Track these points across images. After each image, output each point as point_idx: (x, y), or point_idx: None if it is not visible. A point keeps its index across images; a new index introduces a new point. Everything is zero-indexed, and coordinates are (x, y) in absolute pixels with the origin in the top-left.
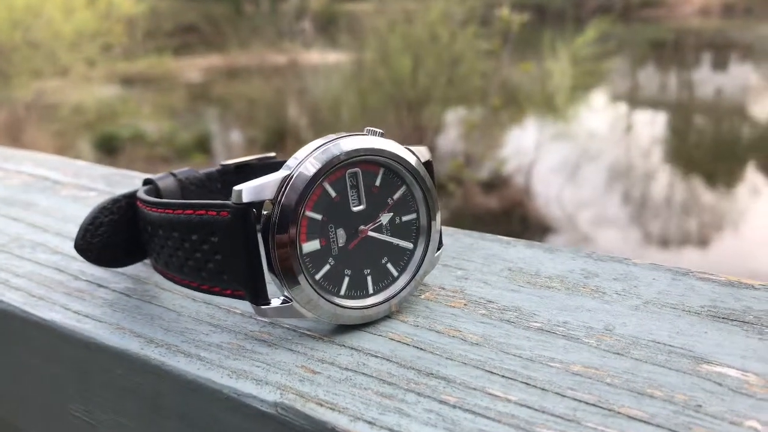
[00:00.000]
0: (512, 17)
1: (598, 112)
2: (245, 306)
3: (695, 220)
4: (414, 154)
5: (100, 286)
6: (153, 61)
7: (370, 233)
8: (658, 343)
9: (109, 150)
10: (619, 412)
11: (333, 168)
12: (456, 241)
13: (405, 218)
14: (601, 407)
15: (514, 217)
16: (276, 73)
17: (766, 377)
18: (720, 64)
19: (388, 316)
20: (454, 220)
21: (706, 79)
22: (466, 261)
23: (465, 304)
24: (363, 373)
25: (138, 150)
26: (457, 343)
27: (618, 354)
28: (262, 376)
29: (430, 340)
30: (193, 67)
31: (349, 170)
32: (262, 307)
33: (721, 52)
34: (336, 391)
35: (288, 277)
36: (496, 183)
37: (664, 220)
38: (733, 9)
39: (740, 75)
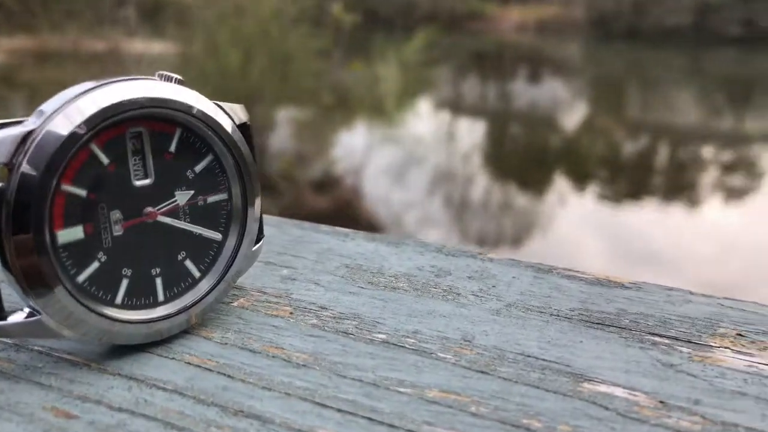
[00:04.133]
0: (344, 15)
1: (424, 118)
2: None
3: (509, 221)
4: (225, 113)
5: None
6: None
7: (162, 218)
8: (528, 356)
9: None
10: None
11: (104, 124)
12: (283, 233)
13: (212, 199)
14: None
15: (345, 216)
16: (94, 61)
17: (657, 395)
18: (534, 78)
19: (186, 332)
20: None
21: (522, 91)
22: (294, 257)
23: (291, 313)
24: (144, 415)
25: None
26: (278, 366)
27: (482, 372)
28: None
29: (242, 362)
30: None
31: (131, 129)
32: None
33: (535, 67)
34: None
35: (33, 280)
36: (327, 183)
37: (482, 221)
38: (546, 27)
39: (551, 89)
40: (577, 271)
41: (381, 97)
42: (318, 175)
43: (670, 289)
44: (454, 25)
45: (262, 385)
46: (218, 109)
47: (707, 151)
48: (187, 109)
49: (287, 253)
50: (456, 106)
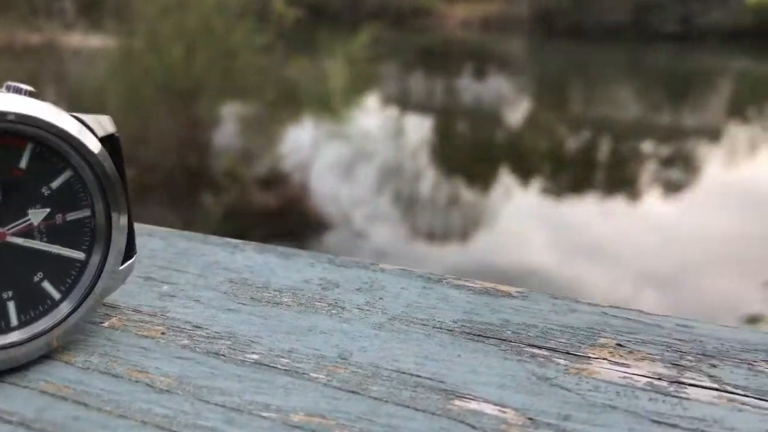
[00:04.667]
0: (287, 11)
1: (371, 114)
2: None
3: (457, 216)
4: (85, 125)
5: None
6: None
7: (12, 239)
8: (403, 373)
9: None
10: None
11: None
12: (169, 245)
13: (72, 216)
14: None
15: (293, 214)
16: (28, 54)
17: (527, 412)
18: (479, 74)
19: (47, 356)
20: (230, 218)
21: (468, 87)
22: (178, 272)
23: (163, 333)
24: None
25: None
26: (140, 391)
27: (353, 392)
28: None
29: (101, 389)
30: None
31: None
32: None
33: (481, 63)
34: None
35: None
36: (274, 180)
37: (430, 217)
38: (490, 24)
39: (496, 85)
40: (467, 280)
41: (327, 93)
42: (264, 172)
43: (556, 298)
44: (400, 20)
45: (118, 413)
46: (76, 121)
47: (647, 146)
48: (37, 122)
49: (170, 268)
50: (403, 102)
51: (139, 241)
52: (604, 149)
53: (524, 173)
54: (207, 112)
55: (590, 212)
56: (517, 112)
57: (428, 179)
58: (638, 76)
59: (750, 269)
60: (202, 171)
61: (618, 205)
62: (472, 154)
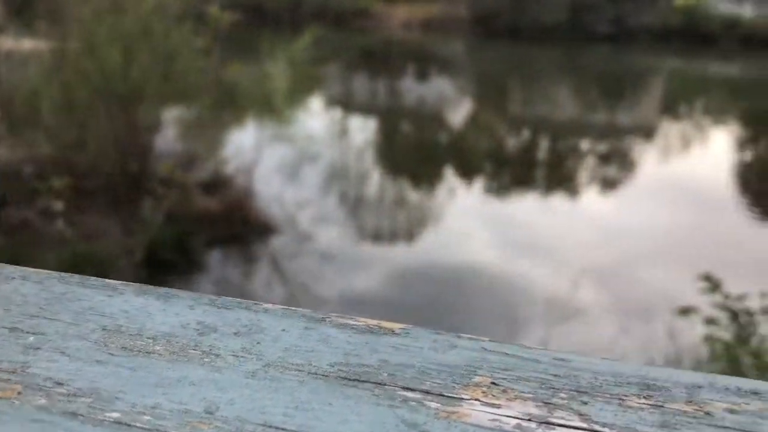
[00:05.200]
0: (222, 15)
1: (315, 115)
2: None
3: (403, 216)
4: None
5: None
6: None
7: None
8: (270, 426)
9: None
10: None
11: None
12: (44, 290)
13: None
14: None
15: (236, 218)
16: None
17: None
18: (421, 75)
19: None
20: (172, 223)
21: (410, 88)
22: (48, 320)
23: (20, 393)
24: None
25: None
26: None
27: None
28: None
29: None
30: None
31: None
32: None
33: (423, 64)
34: None
35: None
36: (217, 183)
37: (376, 217)
38: (431, 25)
39: (438, 86)
40: (351, 318)
41: (270, 95)
42: (207, 176)
43: (438, 333)
44: (341, 22)
45: None
46: None
47: (585, 144)
48: None
49: (41, 316)
50: (347, 104)
51: (11, 286)
52: (544, 148)
53: (467, 172)
54: (147, 116)
55: (532, 209)
56: (458, 113)
57: (373, 180)
58: (575, 75)
59: (685, 262)
60: (142, 176)
61: (558, 201)
62: (416, 154)
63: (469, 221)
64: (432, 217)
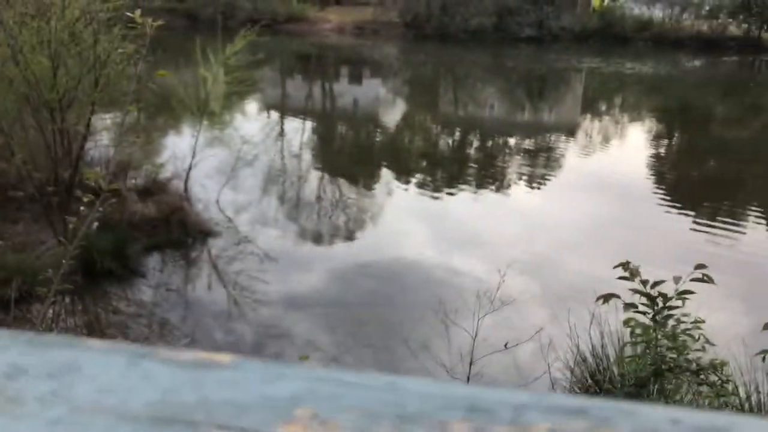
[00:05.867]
0: (146, 21)
1: (252, 119)
2: None
3: (343, 216)
4: None
5: None
6: None
7: None
8: None
9: None
10: None
11: None
12: None
13: None
14: None
15: (174, 223)
16: None
17: None
18: (355, 78)
19: None
20: (107, 230)
21: (346, 91)
22: None
23: None
24: None
25: None
26: None
27: None
28: None
29: None
30: None
31: None
32: None
33: (356, 68)
34: None
35: None
36: (153, 189)
37: (317, 218)
38: (364, 30)
39: (372, 88)
40: (179, 350)
41: (204, 100)
42: (143, 182)
43: (268, 363)
44: (275, 27)
45: None
46: None
47: (512, 141)
48: None
49: None
50: (283, 107)
51: None
52: (475, 146)
53: (402, 171)
54: (78, 123)
55: (464, 205)
56: (393, 114)
57: (312, 181)
58: (501, 76)
59: (608, 250)
60: (75, 183)
61: (489, 197)
62: (352, 155)
63: (405, 218)
64: (370, 215)
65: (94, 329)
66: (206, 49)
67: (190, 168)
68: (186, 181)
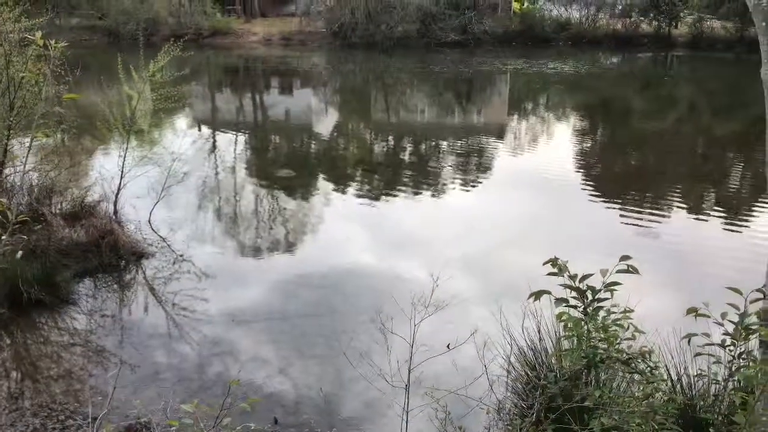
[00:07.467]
0: (50, 42)
1: (182, 135)
2: None
3: (282, 228)
4: None
5: None
6: None
7: None
8: None
9: None
10: None
11: None
12: None
13: None
14: None
15: (104, 246)
16: None
17: None
18: (286, 89)
19: None
20: (34, 258)
21: (277, 102)
22: None
23: None
24: None
25: None
26: None
27: None
28: None
29: None
30: None
31: None
32: None
33: (286, 78)
34: None
35: None
36: (81, 213)
37: (255, 231)
38: (291, 40)
39: (303, 98)
40: None
41: (132, 118)
42: (69, 206)
43: None
44: (201, 41)
45: None
46: None
47: (444, 144)
48: None
49: None
50: (214, 121)
51: None
52: (408, 150)
53: (339, 179)
54: None
55: (401, 209)
56: (326, 122)
57: (247, 194)
58: (429, 81)
59: (543, 247)
60: None
61: (425, 200)
62: (288, 165)
63: (344, 226)
64: (309, 225)
65: (24, 362)
66: (129, 66)
67: (119, 189)
68: (115, 203)
